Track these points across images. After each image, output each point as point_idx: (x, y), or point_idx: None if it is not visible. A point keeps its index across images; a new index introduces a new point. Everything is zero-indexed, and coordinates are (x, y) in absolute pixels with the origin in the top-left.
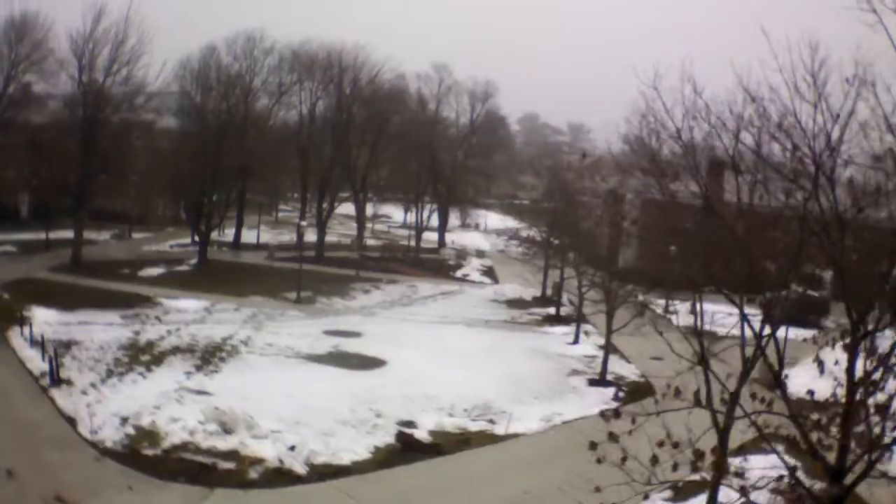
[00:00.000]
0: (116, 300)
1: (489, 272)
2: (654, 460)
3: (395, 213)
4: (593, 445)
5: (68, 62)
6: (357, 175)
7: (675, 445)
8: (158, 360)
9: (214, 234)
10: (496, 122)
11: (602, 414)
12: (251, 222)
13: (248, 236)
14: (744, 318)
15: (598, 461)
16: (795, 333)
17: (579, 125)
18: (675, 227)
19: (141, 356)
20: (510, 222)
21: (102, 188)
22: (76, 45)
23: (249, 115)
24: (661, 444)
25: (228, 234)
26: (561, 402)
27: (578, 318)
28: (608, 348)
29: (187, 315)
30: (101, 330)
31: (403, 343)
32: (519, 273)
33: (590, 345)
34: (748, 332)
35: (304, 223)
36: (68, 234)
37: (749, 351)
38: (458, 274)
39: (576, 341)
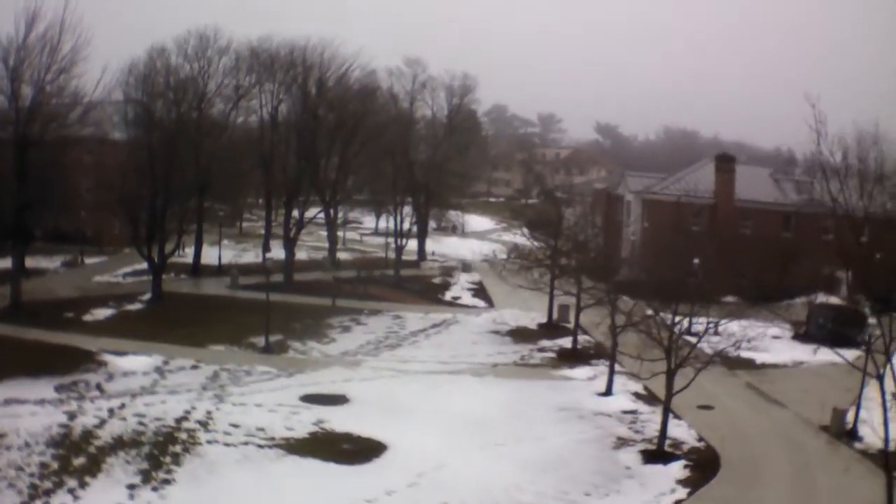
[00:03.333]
0: (54, 361)
1: (481, 291)
2: None
3: (366, 217)
4: None
5: None
6: (327, 185)
7: None
8: (95, 464)
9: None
10: (469, 117)
11: None
12: (213, 237)
13: (210, 255)
14: None
15: None
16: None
17: (549, 115)
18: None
19: (74, 459)
20: (489, 223)
21: (50, 210)
22: (6, 54)
23: (204, 123)
24: None
25: (189, 252)
26: (619, 497)
27: (612, 366)
28: (667, 414)
29: (135, 380)
30: (30, 413)
31: (402, 411)
32: (513, 290)
33: (624, 395)
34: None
35: (269, 255)
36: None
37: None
38: (448, 296)
39: (608, 392)
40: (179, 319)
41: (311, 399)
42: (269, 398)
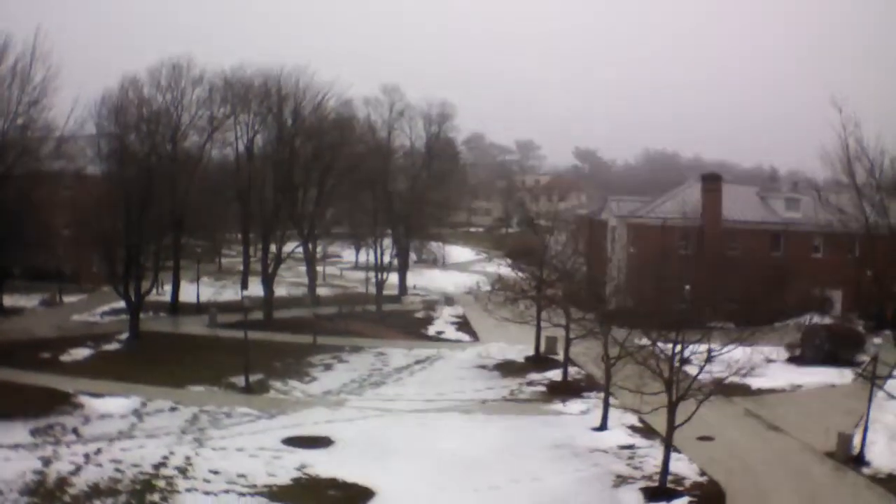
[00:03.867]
0: (30, 403)
1: (465, 325)
2: None
3: (346, 251)
4: None
5: None
6: (305, 218)
7: None
8: None
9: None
10: (448, 146)
11: None
12: (192, 274)
13: (188, 292)
14: None
15: None
16: (826, 375)
17: (527, 142)
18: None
19: None
20: (469, 254)
21: (24, 247)
22: None
23: (178, 156)
24: None
25: (168, 289)
26: None
27: (606, 400)
28: (669, 450)
29: (112, 423)
30: (4, 458)
31: (388, 453)
32: (498, 323)
33: (620, 429)
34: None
35: (246, 292)
36: None
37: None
38: (431, 331)
39: (603, 426)
40: (157, 359)
41: (294, 442)
42: (250, 441)
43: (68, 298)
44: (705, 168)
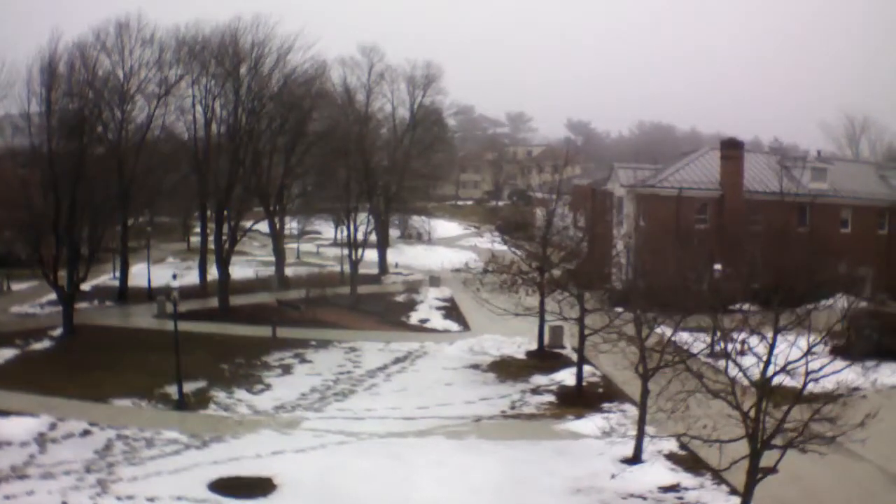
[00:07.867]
0: None
1: (453, 310)
2: None
3: (327, 226)
4: None
5: None
6: (270, 192)
7: None
8: None
9: (107, 277)
10: (433, 111)
11: None
12: (158, 254)
13: (142, 277)
14: None
15: None
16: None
17: (518, 114)
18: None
19: None
20: (457, 228)
21: None
22: None
23: (126, 125)
24: None
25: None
26: None
27: (641, 423)
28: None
29: (7, 456)
30: None
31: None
32: (492, 309)
33: (657, 460)
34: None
35: (175, 282)
36: None
37: None
38: (413, 319)
39: (637, 458)
40: (87, 362)
41: (224, 487)
42: (168, 485)
43: (17, 286)
44: (702, 140)
